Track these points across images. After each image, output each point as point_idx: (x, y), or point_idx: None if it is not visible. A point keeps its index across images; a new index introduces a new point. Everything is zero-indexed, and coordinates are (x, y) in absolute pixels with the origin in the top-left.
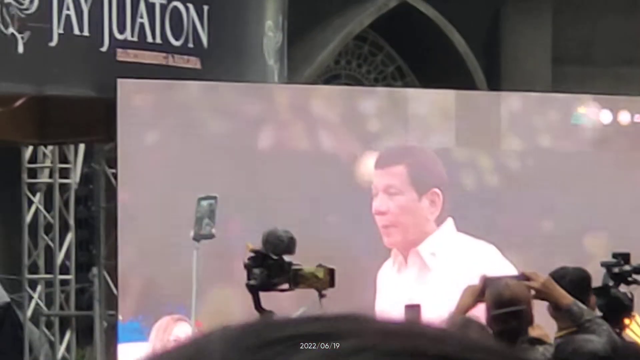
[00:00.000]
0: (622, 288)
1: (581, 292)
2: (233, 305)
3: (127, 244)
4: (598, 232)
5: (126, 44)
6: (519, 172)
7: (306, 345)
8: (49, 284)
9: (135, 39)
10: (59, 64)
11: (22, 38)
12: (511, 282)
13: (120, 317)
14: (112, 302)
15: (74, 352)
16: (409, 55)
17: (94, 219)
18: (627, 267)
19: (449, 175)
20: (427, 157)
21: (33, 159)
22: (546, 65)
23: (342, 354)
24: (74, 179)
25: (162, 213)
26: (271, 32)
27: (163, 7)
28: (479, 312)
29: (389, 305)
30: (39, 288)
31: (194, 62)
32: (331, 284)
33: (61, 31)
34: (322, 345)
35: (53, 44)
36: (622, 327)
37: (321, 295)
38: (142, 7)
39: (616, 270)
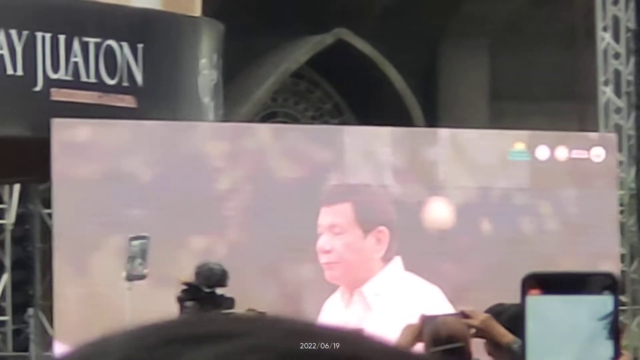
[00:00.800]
0: None
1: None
2: None
3: (63, 284)
4: None
5: (60, 84)
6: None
7: (202, 345)
8: None
9: (69, 78)
10: None
11: None
12: (449, 319)
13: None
14: (48, 342)
15: None
16: (346, 92)
17: (30, 260)
18: None
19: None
20: (374, 195)
21: None
22: (484, 101)
23: (237, 353)
24: (10, 219)
25: (97, 252)
26: (206, 70)
27: (97, 46)
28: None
29: None
30: None
31: (129, 101)
32: None
33: None
34: (219, 344)
35: None
36: None
37: None
38: (76, 45)
39: None
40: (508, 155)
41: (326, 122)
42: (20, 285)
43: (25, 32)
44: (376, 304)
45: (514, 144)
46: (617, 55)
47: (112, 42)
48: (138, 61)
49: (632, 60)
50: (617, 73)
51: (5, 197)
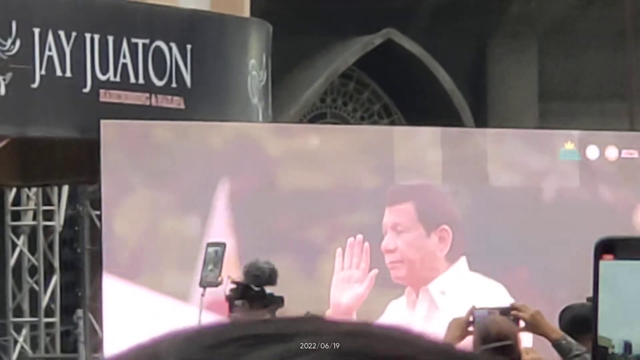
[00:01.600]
0: None
1: (580, 329)
2: None
3: (111, 286)
4: None
5: (109, 85)
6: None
7: (262, 345)
8: (33, 327)
9: (118, 79)
10: (41, 105)
11: (4, 80)
12: (499, 318)
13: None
14: (97, 344)
15: None
16: (395, 92)
17: (79, 261)
18: None
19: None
20: (436, 195)
21: (16, 201)
22: (533, 101)
23: (296, 354)
24: (58, 221)
25: (146, 254)
26: (255, 71)
27: (146, 47)
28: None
29: None
30: (24, 331)
31: (177, 102)
32: None
33: (43, 72)
34: (278, 345)
35: (35, 85)
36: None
37: None
38: (125, 47)
39: None
40: (559, 155)
41: (375, 123)
42: (69, 287)
43: (73, 34)
44: (442, 302)
45: (564, 144)
46: None
47: (160, 43)
48: (187, 62)
49: None
50: None
51: (55, 199)
